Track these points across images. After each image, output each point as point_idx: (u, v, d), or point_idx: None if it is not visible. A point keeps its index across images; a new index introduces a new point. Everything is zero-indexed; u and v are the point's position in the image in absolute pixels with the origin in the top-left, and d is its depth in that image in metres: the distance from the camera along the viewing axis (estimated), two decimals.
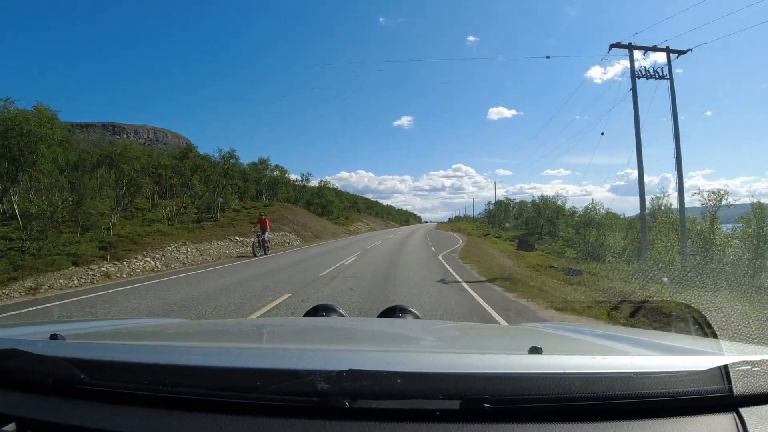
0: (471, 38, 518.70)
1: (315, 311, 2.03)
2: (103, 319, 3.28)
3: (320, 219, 35.59)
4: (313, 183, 46.30)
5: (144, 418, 0.81)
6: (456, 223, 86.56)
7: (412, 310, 2.08)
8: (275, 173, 35.28)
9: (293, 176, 41.76)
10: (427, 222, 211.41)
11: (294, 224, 26.62)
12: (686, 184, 22.32)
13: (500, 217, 57.59)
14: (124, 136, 35.71)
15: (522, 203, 49.32)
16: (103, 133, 36.36)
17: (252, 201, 29.67)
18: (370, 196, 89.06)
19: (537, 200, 39.78)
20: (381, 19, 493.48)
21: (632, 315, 6.35)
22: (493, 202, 66.17)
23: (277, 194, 34.69)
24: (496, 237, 33.91)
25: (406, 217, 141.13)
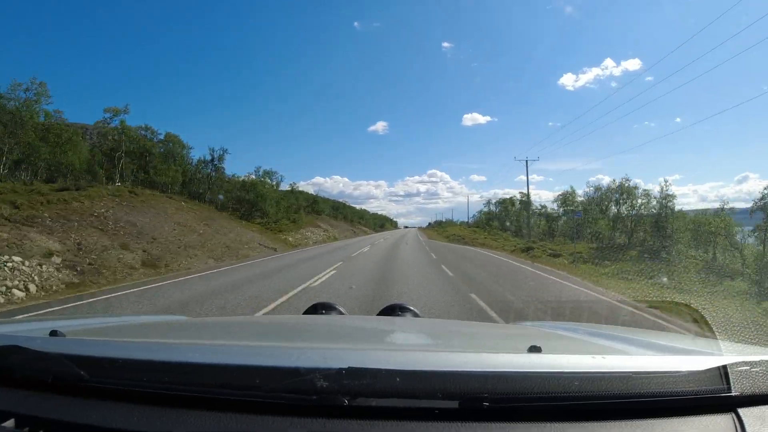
0: (446, 44, 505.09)
1: (314, 309, 2.06)
2: (103, 316, 3.21)
3: (228, 223, 24.76)
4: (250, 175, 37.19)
5: (144, 415, 0.84)
6: (446, 229, 76.82)
7: (412, 308, 2.11)
8: (156, 138, 27.08)
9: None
10: (406, 227, 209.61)
11: (104, 231, 14.63)
12: (655, 189, 25.15)
13: (512, 220, 50.77)
14: (87, 136, 33.68)
15: (565, 196, 36.01)
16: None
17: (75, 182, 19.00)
18: (345, 201, 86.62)
19: (622, 186, 25.54)
20: (356, 24, 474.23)
21: None
22: (494, 201, 59.67)
23: (147, 173, 24.38)
24: (550, 254, 21.69)
25: (382, 222, 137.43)
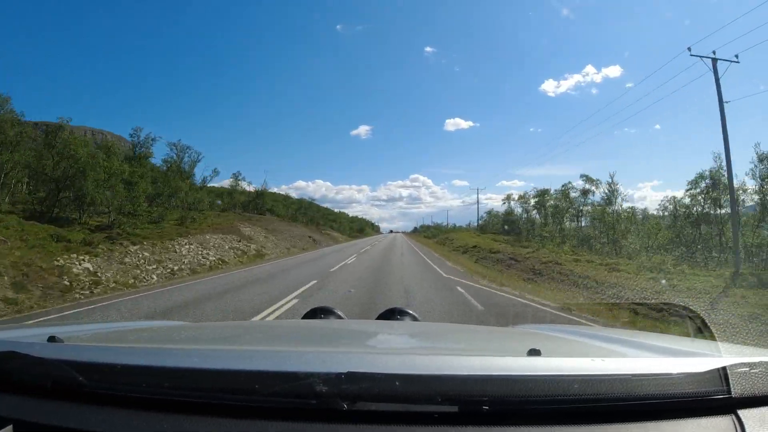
0: (428, 48, 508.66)
1: (313, 313, 2.21)
2: (101, 322, 2.93)
3: None
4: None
5: (142, 421, 0.89)
6: (449, 236, 56.51)
7: (411, 312, 2.26)
8: None
9: None
10: (391, 232, 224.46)
11: None
12: (634, 195, 37.60)
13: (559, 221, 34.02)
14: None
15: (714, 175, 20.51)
16: (35, 132, 26.83)
17: None
18: (313, 199, 76.88)
19: None
20: (338, 27, 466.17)
21: None
22: (520, 195, 43.66)
23: None
24: None
25: (361, 226, 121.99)
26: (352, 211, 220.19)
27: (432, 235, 77.56)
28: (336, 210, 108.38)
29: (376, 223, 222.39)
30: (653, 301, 11.70)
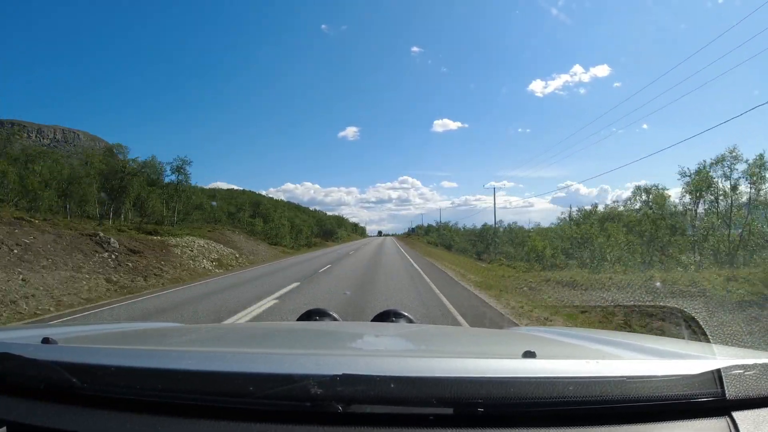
0: (415, 48, 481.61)
1: (308, 315, 2.27)
2: (95, 323, 3.41)
3: None
4: None
5: (137, 423, 0.92)
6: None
7: (406, 314, 2.34)
8: None
9: None
10: (379, 234, 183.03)
11: None
12: (622, 195, 24.40)
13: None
14: (24, 135, 35.09)
15: None
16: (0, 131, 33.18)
17: None
18: (315, 209, 75.48)
19: None
20: (323, 26, 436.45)
21: None
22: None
23: None
24: None
25: (330, 227, 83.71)
26: (341, 213, 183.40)
27: (445, 241, 46.24)
28: (313, 208, 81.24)
29: (362, 224, 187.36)
30: None
